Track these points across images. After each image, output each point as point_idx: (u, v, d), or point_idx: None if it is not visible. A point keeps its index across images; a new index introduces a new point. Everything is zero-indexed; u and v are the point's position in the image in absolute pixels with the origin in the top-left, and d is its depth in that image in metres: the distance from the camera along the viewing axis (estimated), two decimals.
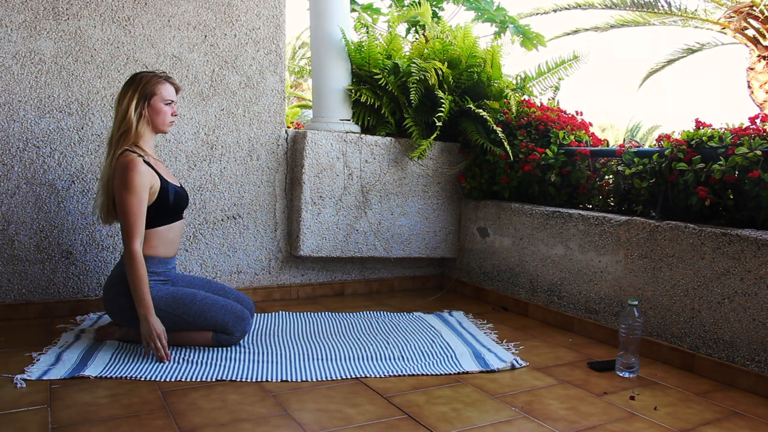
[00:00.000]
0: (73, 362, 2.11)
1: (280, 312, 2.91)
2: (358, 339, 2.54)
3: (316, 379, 2.09)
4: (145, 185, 2.19)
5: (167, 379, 2.02)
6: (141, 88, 2.25)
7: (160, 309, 2.22)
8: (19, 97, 2.59)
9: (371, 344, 2.47)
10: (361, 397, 1.94)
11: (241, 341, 2.38)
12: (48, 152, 2.65)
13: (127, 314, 2.23)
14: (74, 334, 2.41)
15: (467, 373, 2.20)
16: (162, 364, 2.14)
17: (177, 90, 2.36)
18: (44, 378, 1.97)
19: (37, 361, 2.11)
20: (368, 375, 2.14)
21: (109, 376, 2.01)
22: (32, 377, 1.96)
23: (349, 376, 2.12)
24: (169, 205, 2.30)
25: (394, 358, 2.30)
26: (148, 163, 2.24)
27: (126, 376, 2.02)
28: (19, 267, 2.63)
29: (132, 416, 1.74)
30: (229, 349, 2.32)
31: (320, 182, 3.12)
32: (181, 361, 2.17)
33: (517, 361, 2.31)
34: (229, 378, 2.05)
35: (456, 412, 1.86)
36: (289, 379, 2.07)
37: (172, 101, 2.32)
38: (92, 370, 2.04)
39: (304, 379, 2.08)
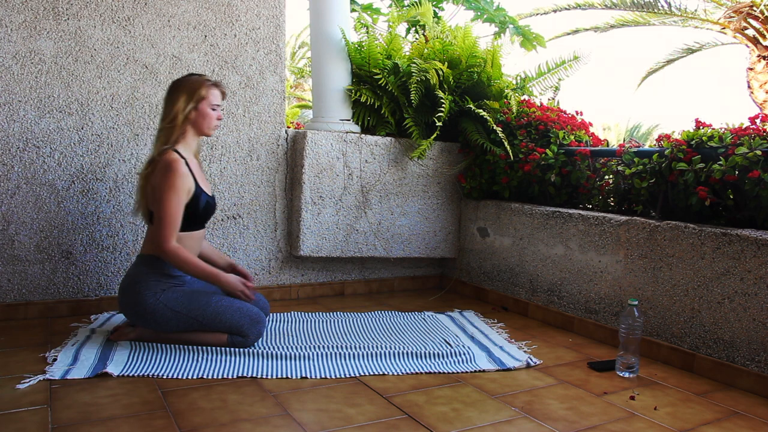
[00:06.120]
0: (92, 361, 2.11)
1: (290, 313, 2.91)
2: (373, 337, 2.55)
3: (321, 376, 2.10)
4: (184, 187, 2.25)
5: (188, 377, 2.04)
6: (192, 92, 2.32)
7: (175, 311, 2.23)
8: (19, 97, 2.59)
9: (386, 343, 2.47)
10: (361, 397, 1.94)
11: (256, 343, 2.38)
12: (48, 152, 2.65)
13: (143, 315, 2.24)
14: (85, 333, 2.40)
15: (484, 371, 2.22)
16: (181, 362, 2.15)
17: (223, 96, 2.42)
18: (67, 377, 1.97)
19: (54, 360, 2.11)
20: (386, 373, 2.16)
21: (131, 374, 2.02)
22: (55, 377, 1.97)
23: (366, 373, 2.14)
24: (198, 213, 2.34)
25: (412, 357, 2.31)
26: (189, 168, 2.29)
27: (148, 375, 2.03)
28: (19, 267, 2.63)
29: (132, 416, 1.74)
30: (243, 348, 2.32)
31: (320, 182, 3.12)
32: (194, 359, 2.18)
33: (531, 360, 2.32)
34: (252, 375, 2.07)
35: (456, 412, 1.86)
36: (309, 376, 2.09)
37: (218, 106, 2.39)
38: (114, 368, 2.04)
39: (323, 376, 2.10)
